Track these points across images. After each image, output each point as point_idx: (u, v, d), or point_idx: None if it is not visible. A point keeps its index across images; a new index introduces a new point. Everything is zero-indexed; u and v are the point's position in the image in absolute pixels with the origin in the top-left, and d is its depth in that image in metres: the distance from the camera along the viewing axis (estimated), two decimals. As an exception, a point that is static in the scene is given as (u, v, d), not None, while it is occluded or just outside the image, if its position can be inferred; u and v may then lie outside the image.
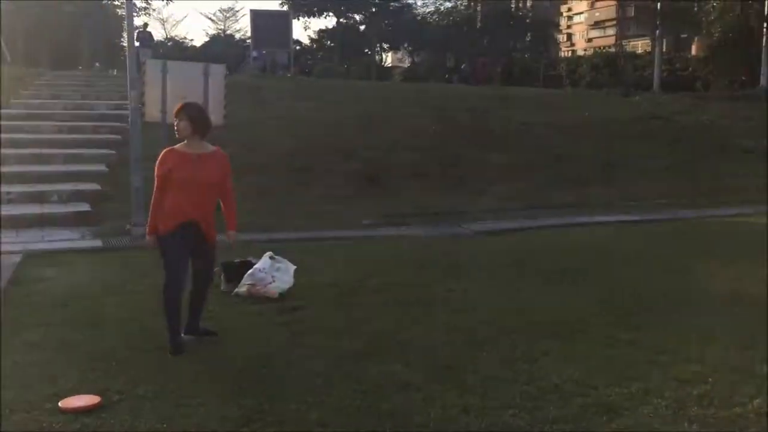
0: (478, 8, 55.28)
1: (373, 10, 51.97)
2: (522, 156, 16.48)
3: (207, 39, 58.81)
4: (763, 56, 30.56)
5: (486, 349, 5.09)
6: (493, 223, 11.63)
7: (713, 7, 27.73)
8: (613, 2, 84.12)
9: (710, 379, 4.49)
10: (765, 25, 30.08)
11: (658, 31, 33.36)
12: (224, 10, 62.39)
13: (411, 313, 6.05)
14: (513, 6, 62.83)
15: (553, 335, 5.45)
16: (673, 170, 16.54)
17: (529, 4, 72.55)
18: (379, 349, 5.12)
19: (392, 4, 53.58)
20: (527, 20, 58.02)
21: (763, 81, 30.44)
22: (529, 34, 58.13)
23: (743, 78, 35.18)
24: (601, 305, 6.26)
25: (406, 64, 62.90)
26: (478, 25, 53.96)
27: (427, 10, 57.37)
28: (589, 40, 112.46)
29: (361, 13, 53.52)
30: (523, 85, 34.21)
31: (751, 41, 33.28)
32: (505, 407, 4.08)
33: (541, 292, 6.80)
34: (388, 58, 69.43)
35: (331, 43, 54.69)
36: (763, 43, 30.60)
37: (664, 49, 51.10)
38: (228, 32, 61.11)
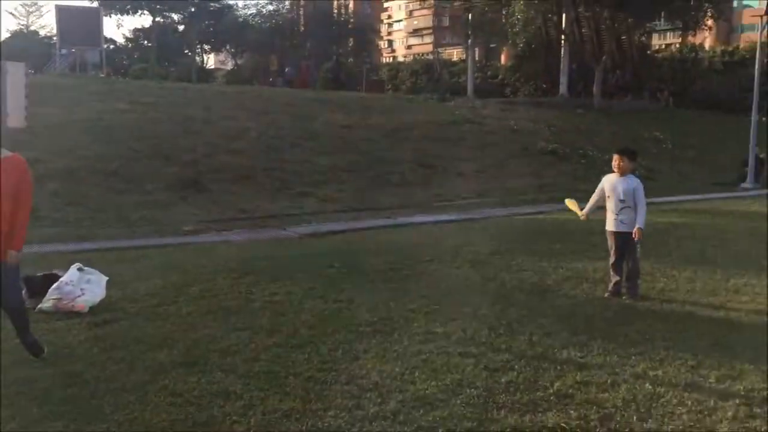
0: (301, 12, 55.48)
1: (192, 9, 50.45)
2: (345, 158, 16.75)
3: (8, 35, 54.12)
4: (562, 66, 33.31)
5: (308, 352, 5.09)
6: (318, 226, 11.70)
7: (517, 19, 29.82)
8: (430, 11, 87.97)
9: (516, 367, 4.79)
10: (563, 37, 32.81)
11: (470, 41, 35.30)
12: (27, 5, 57.93)
13: (232, 320, 5.91)
14: (335, 11, 63.60)
15: (375, 333, 5.56)
16: (484, 171, 17.57)
17: (351, 9, 73.74)
18: (198, 358, 4.96)
19: (212, 4, 52.37)
20: (349, 25, 59.04)
21: (563, 89, 33.19)
22: (351, 39, 59.15)
23: (545, 86, 38.20)
24: (420, 301, 6.49)
25: (229, 66, 61.67)
26: (301, 28, 54.14)
27: (249, 12, 56.67)
28: (409, 47, 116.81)
29: (179, 13, 51.76)
30: (347, 90, 34.79)
31: (552, 52, 36.24)
32: (325, 408, 4.10)
33: (364, 291, 6.92)
34: (210, 60, 67.65)
35: (147, 42, 52.43)
36: (562, 54, 33.37)
37: (476, 58, 54.17)
38: (32, 28, 56.73)
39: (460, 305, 6.39)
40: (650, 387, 4.44)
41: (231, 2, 57.62)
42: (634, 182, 6.82)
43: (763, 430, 3.87)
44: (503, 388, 4.45)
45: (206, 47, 57.34)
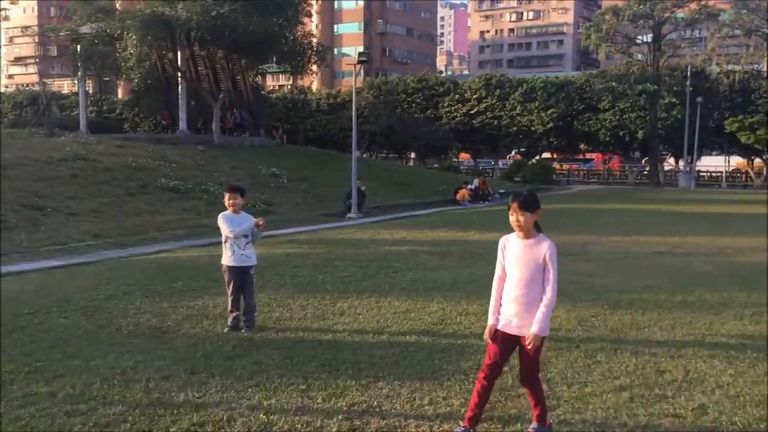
0: None
1: None
2: (-73, 202, 14.37)
3: None
4: (180, 103, 33.32)
5: None
6: None
7: (130, 54, 28.97)
8: (33, 39, 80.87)
9: (130, 418, 4.55)
10: (179, 74, 32.84)
11: (80, 73, 33.28)
12: None
13: None
14: None
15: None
16: (100, 211, 16.60)
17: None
18: None
19: None
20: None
21: (182, 125, 33.15)
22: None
23: (164, 122, 37.81)
24: (21, 360, 5.80)
25: None
26: None
27: None
28: (11, 76, 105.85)
29: None
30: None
31: (170, 88, 36.05)
32: None
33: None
34: None
35: None
36: (180, 91, 33.36)
37: (90, 91, 51.18)
38: None
39: (69, 359, 5.88)
40: (264, 417, 4.59)
41: None
42: (250, 218, 7.08)
43: (362, 440, 4.27)
44: (117, 442, 4.19)
45: None
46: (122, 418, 4.56)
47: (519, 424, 4.48)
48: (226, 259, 7.08)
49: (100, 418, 4.57)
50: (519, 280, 4.17)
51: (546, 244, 4.17)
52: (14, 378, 5.39)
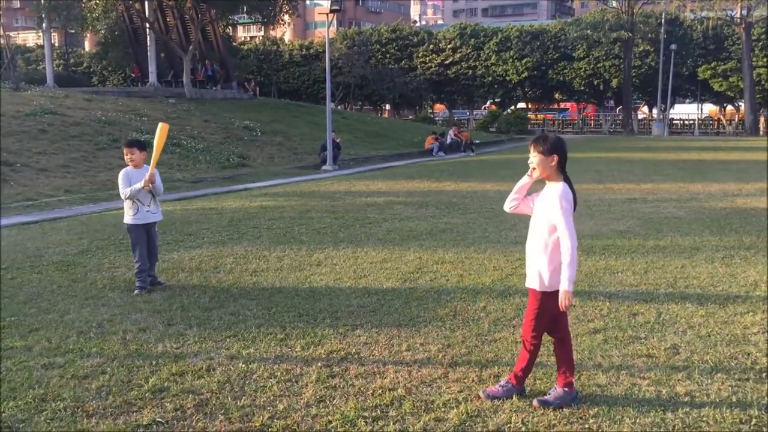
0: None
1: None
2: None
3: None
4: (150, 55, 32.58)
5: None
6: None
7: (96, 4, 28.08)
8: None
9: (108, 370, 4.54)
10: (147, 25, 32.04)
11: (44, 25, 32.29)
12: None
13: None
14: None
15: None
16: (70, 166, 16.33)
17: None
18: None
19: None
20: None
21: (152, 78, 32.48)
22: None
23: (134, 75, 36.99)
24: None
25: None
26: None
27: None
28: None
29: None
30: None
31: (138, 40, 35.20)
32: None
33: None
34: None
35: None
36: (148, 43, 32.59)
37: (56, 44, 49.79)
38: None
39: (43, 313, 5.83)
40: (243, 365, 4.60)
41: None
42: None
43: (341, 386, 4.29)
44: (94, 394, 4.18)
45: None
46: (100, 370, 4.55)
47: (496, 368, 4.55)
48: (129, 218, 6.71)
49: (78, 370, 4.55)
50: None
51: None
52: (-11, 334, 5.34)
